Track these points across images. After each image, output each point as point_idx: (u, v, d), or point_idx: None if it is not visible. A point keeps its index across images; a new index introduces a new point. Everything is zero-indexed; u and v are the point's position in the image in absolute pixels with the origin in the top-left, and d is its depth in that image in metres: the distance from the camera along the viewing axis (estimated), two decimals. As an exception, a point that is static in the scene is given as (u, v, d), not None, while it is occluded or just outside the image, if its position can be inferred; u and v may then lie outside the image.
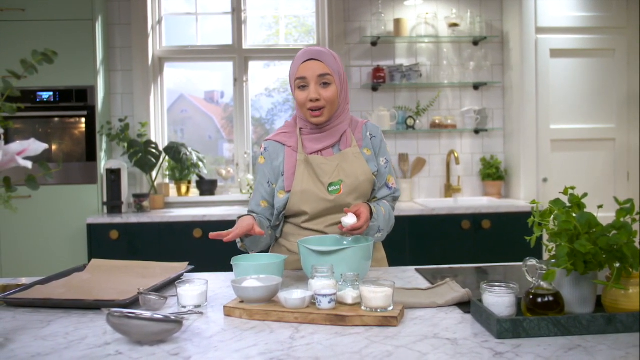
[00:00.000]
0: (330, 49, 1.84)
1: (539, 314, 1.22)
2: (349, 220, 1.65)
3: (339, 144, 1.85)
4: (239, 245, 1.83)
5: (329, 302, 1.32)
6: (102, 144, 3.71)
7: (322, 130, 1.83)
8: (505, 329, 1.17)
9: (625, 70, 3.94)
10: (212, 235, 1.58)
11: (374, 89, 4.08)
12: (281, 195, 1.82)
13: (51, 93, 3.58)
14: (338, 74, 1.79)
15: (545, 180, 3.91)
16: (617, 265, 1.24)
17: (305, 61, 1.76)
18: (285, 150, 1.85)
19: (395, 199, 1.95)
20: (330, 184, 1.79)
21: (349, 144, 1.85)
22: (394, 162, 4.10)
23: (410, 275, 1.82)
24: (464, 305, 1.43)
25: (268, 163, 1.86)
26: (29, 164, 1.13)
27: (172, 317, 1.19)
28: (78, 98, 3.60)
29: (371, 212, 1.75)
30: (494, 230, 3.55)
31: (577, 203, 1.31)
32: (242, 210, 3.65)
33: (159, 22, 4.13)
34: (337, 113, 1.83)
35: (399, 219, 3.57)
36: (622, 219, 1.24)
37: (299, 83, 1.77)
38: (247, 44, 4.19)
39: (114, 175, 3.62)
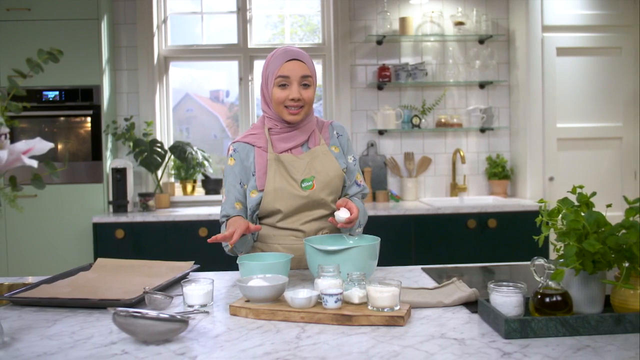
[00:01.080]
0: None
1: (547, 313, 1.21)
2: (343, 214, 1.69)
3: (307, 142, 1.87)
4: (227, 249, 1.82)
5: (335, 302, 1.32)
6: (108, 143, 3.72)
7: (292, 129, 1.85)
8: (513, 329, 1.16)
9: (632, 68, 3.92)
10: (213, 239, 1.59)
11: (380, 87, 4.07)
12: (254, 194, 1.82)
13: (57, 92, 3.58)
14: (315, 76, 1.84)
15: (551, 179, 3.89)
16: (626, 264, 1.23)
17: (288, 60, 1.78)
18: (255, 150, 1.85)
19: (364, 196, 1.98)
20: (303, 180, 1.81)
21: (317, 142, 1.87)
22: (399, 161, 4.10)
23: (416, 275, 1.81)
24: (471, 304, 1.42)
25: (238, 164, 1.85)
26: (34, 163, 1.13)
27: (178, 317, 1.19)
28: (84, 97, 3.60)
29: None
30: (500, 229, 3.54)
31: (585, 202, 1.30)
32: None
33: (164, 21, 4.13)
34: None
35: (405, 218, 3.56)
36: (631, 218, 1.22)
37: (281, 81, 1.78)
38: (252, 43, 4.19)
39: (119, 174, 3.62)
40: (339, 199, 1.85)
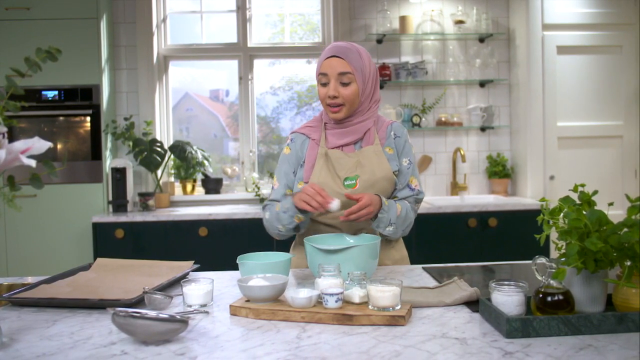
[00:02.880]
0: (357, 45, 1.82)
1: (548, 313, 1.21)
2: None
3: (362, 141, 1.86)
4: (297, 220, 1.76)
5: (336, 301, 1.31)
6: (108, 142, 3.71)
7: (345, 126, 1.85)
8: (514, 328, 1.16)
9: (632, 66, 3.91)
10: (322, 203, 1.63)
11: (380, 86, 4.05)
12: (300, 186, 1.84)
13: (56, 92, 3.58)
14: (361, 72, 1.78)
15: (552, 177, 3.89)
16: (628, 263, 1.22)
17: (328, 57, 1.78)
18: (309, 142, 1.87)
19: (418, 201, 1.91)
20: (347, 178, 1.80)
21: (372, 141, 1.85)
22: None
23: (417, 274, 1.80)
24: (472, 304, 1.41)
25: (293, 153, 1.89)
26: (32, 163, 1.13)
27: (178, 317, 1.18)
28: (83, 97, 3.60)
29: (381, 205, 1.73)
30: (501, 228, 3.53)
31: (587, 200, 1.29)
32: (249, 208, 3.64)
33: (164, 20, 4.13)
34: (359, 110, 1.83)
35: (405, 217, 3.55)
36: (633, 217, 1.22)
37: (321, 79, 1.80)
38: (252, 42, 4.18)
39: (119, 174, 3.61)
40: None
